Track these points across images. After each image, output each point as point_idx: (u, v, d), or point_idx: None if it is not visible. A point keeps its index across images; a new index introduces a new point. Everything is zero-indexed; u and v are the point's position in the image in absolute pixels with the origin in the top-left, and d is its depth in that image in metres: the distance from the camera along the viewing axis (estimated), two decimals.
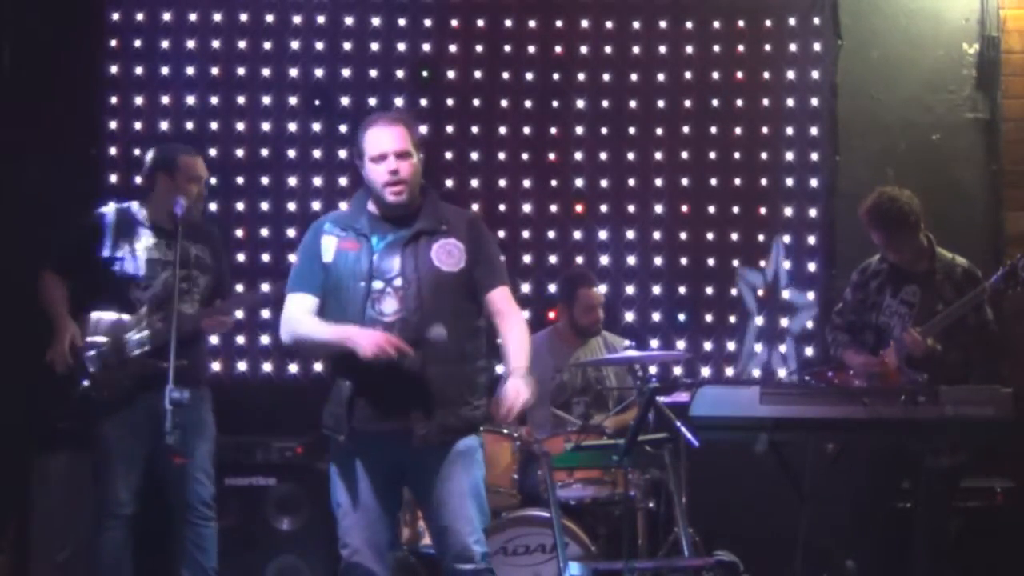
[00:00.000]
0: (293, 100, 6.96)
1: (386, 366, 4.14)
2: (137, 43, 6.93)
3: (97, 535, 5.25)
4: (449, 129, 6.98)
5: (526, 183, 6.96)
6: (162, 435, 4.56)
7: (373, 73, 6.98)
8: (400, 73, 6.99)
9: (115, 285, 5.27)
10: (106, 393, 5.20)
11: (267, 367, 6.74)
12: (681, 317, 6.87)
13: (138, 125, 6.89)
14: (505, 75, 7.01)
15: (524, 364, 4.26)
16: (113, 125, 6.89)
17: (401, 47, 7.00)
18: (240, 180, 6.89)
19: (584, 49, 7.03)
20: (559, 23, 7.05)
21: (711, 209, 6.93)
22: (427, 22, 7.02)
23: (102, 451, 5.23)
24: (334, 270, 4.34)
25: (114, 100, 6.90)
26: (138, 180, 6.21)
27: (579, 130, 6.98)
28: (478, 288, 4.37)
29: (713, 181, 6.95)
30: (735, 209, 6.92)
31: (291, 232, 6.79)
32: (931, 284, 5.45)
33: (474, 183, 6.96)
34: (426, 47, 7.01)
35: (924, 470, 5.11)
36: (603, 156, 6.97)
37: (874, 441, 5.11)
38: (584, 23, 7.04)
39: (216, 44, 6.95)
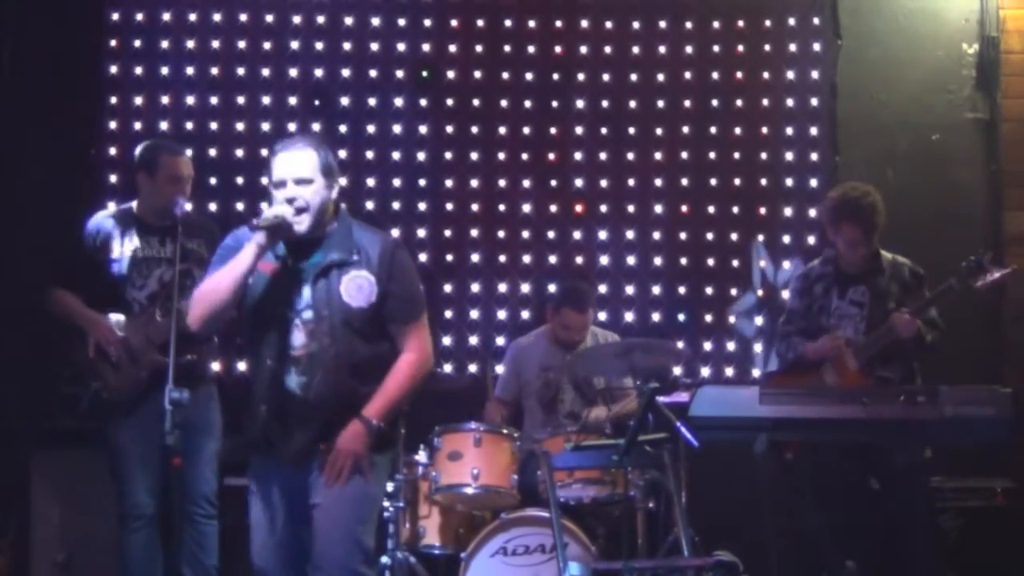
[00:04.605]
0: (293, 100, 6.96)
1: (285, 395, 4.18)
2: (137, 43, 6.94)
3: (122, 537, 5.25)
4: (449, 129, 6.98)
5: (526, 183, 6.96)
6: (162, 435, 4.55)
7: (373, 73, 6.98)
8: (400, 73, 6.99)
9: (109, 287, 5.25)
10: (116, 394, 5.19)
11: None
12: (681, 317, 6.87)
13: (138, 125, 6.89)
14: (505, 75, 7.01)
15: (376, 415, 4.17)
16: (113, 125, 6.90)
17: (401, 47, 7.01)
18: (240, 180, 6.88)
19: (584, 49, 7.04)
20: (559, 23, 7.05)
21: (711, 209, 6.93)
22: (427, 22, 7.02)
23: (118, 454, 5.21)
24: (251, 288, 4.21)
25: (114, 100, 6.91)
26: None
27: (579, 130, 6.98)
28: (387, 321, 4.26)
29: (713, 181, 6.95)
30: (735, 209, 6.92)
31: None
32: (878, 284, 5.49)
33: (474, 183, 6.96)
34: (426, 47, 7.02)
35: (893, 468, 5.16)
36: (603, 156, 6.97)
37: (874, 441, 5.10)
38: (584, 23, 7.05)
39: (216, 44, 6.96)
